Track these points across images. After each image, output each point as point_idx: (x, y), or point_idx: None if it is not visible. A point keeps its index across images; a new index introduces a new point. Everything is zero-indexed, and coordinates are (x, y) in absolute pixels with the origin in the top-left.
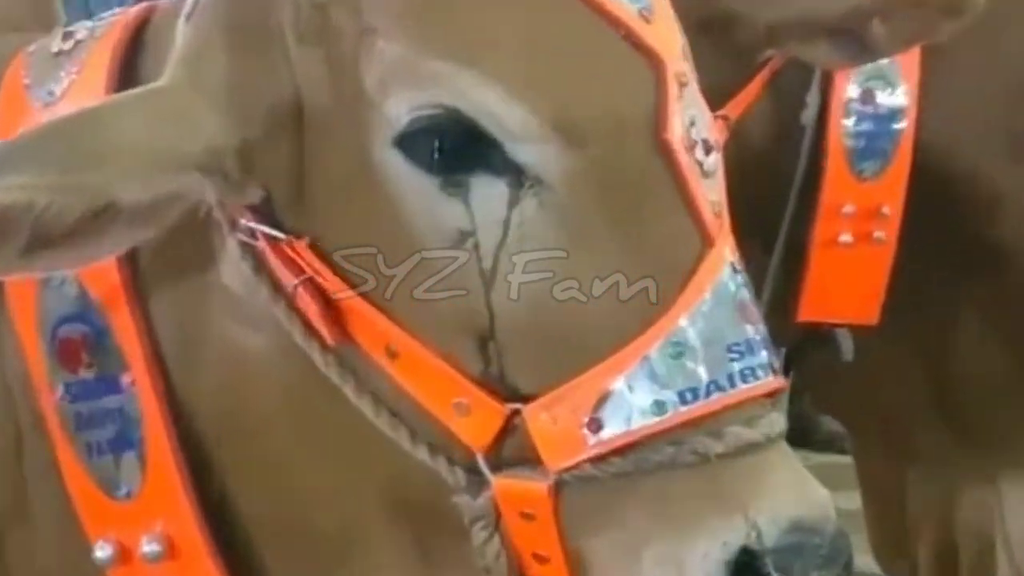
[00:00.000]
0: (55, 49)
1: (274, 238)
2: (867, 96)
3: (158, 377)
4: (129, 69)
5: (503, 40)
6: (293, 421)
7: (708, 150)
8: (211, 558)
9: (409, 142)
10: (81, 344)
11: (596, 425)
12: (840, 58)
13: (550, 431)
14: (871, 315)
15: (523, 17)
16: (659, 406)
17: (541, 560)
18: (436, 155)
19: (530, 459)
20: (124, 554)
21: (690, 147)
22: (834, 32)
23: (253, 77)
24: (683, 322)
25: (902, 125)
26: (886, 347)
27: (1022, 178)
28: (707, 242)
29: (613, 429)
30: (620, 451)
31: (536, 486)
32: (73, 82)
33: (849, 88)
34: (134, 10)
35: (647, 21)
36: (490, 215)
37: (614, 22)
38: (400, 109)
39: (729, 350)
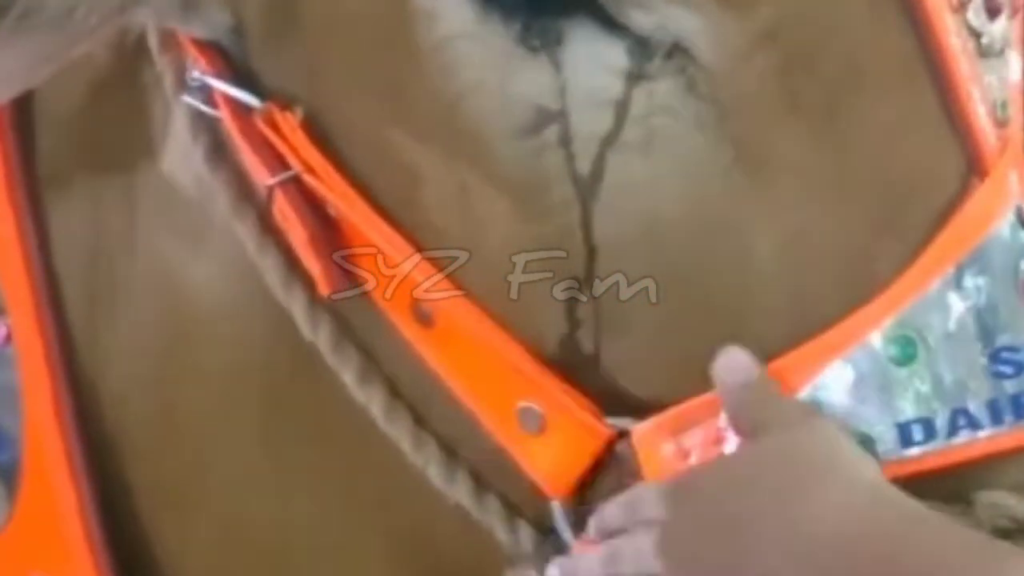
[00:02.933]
0: None
1: (245, 106)
2: None
3: (52, 331)
4: None
5: None
6: (252, 419)
7: (994, 12)
8: None
9: None
10: None
11: None
12: None
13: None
14: None
15: None
16: (862, 443)
17: None
18: None
19: None
20: None
21: (959, 5)
22: None
23: None
24: (922, 302)
25: None
26: None
27: None
28: (978, 168)
29: None
30: None
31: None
32: None
33: None
34: None
35: None
36: (595, 91)
37: None
38: None
39: (997, 358)
